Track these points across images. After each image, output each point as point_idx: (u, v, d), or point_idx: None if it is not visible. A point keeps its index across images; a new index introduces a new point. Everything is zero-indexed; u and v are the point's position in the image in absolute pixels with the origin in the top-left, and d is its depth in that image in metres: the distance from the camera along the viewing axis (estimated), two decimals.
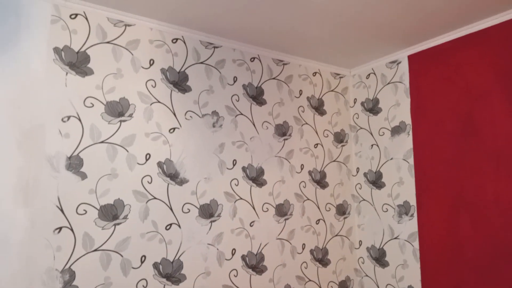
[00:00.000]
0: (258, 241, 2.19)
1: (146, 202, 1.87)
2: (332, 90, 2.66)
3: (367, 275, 2.51)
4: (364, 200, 2.58)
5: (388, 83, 2.50)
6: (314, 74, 2.59)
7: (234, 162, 2.17)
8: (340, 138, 2.65)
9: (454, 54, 2.15)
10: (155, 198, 1.90)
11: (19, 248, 1.57)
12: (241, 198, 2.17)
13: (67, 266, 1.65)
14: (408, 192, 2.31)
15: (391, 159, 2.44)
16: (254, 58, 2.33)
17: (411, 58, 2.38)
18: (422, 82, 2.30)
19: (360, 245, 2.58)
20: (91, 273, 1.69)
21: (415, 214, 2.27)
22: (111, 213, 1.77)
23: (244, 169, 2.20)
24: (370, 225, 2.53)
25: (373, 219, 2.51)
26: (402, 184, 2.36)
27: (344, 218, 2.58)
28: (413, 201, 2.29)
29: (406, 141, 2.36)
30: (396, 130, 2.42)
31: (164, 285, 1.87)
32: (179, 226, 1.95)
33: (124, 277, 1.77)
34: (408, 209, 2.31)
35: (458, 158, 2.09)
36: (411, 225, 2.28)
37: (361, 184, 2.62)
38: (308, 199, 2.43)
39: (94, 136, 1.78)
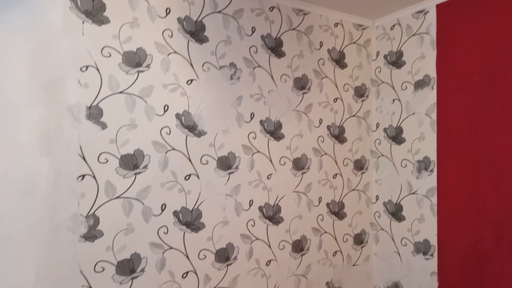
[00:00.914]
0: (275, 193, 2.22)
1: (165, 153, 1.90)
2: (354, 43, 2.56)
3: (382, 229, 2.53)
4: (383, 155, 2.56)
5: (414, 35, 2.38)
6: (335, 25, 2.49)
7: (252, 115, 2.16)
8: (360, 92, 2.58)
9: (486, 5, 2.01)
10: (174, 149, 1.92)
11: (45, 195, 1.64)
12: (258, 151, 2.17)
13: (91, 212, 1.72)
14: (429, 148, 2.27)
15: (413, 114, 2.37)
16: (273, 7, 2.25)
17: (439, 7, 2.24)
18: (450, 33, 2.19)
19: (377, 199, 2.59)
20: (114, 219, 1.76)
21: (435, 170, 2.24)
22: (132, 162, 1.81)
23: (262, 122, 2.19)
24: (388, 181, 2.52)
25: (391, 174, 2.49)
26: (423, 139, 2.31)
27: (362, 173, 2.57)
28: (433, 157, 2.25)
29: (429, 95, 2.28)
30: (420, 84, 2.34)
31: (184, 232, 1.94)
32: (198, 176, 1.98)
33: (145, 224, 1.84)
34: (428, 164, 2.28)
35: (482, 114, 2.02)
36: (430, 180, 2.26)
37: (380, 139, 2.58)
38: (326, 153, 2.42)
39: (112, 87, 1.79)
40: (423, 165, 2.31)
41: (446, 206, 2.17)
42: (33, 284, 1.59)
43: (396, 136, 2.47)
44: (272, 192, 2.21)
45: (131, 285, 1.79)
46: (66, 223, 1.66)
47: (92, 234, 1.71)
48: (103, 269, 1.73)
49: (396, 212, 2.45)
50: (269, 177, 2.20)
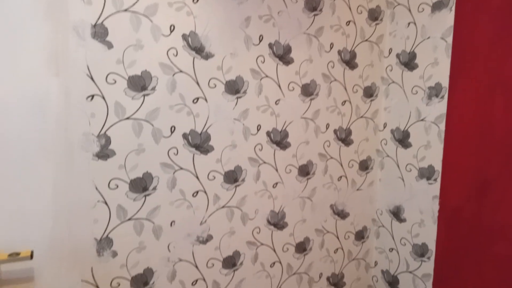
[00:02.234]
0: (283, 119, 2.23)
1: (173, 75, 1.88)
2: None
3: (388, 156, 2.57)
4: (393, 82, 2.51)
5: None
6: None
7: (261, 38, 2.10)
8: (375, 15, 2.47)
9: None
10: (181, 71, 1.90)
11: (56, 115, 1.66)
12: (267, 76, 2.14)
13: (102, 132, 1.75)
14: (442, 73, 2.22)
15: (428, 38, 2.28)
16: None
17: None
18: None
19: (384, 127, 2.59)
20: (125, 139, 1.80)
21: (446, 96, 2.20)
22: (139, 84, 1.81)
23: (270, 45, 2.13)
24: (397, 108, 2.50)
25: (401, 101, 2.47)
26: (437, 65, 2.25)
27: (371, 100, 2.55)
28: (445, 83, 2.21)
29: (446, 17, 2.18)
30: (437, 6, 2.22)
31: (194, 154, 1.99)
32: (206, 100, 1.98)
33: (156, 145, 1.88)
34: (439, 91, 2.24)
35: (501, 37, 1.93)
36: (440, 107, 2.24)
37: (392, 66, 2.52)
38: (336, 79, 2.38)
39: (116, 4, 1.72)
40: (434, 91, 2.27)
41: (454, 132, 2.17)
42: (51, 201, 1.68)
43: (408, 62, 2.40)
44: (280, 117, 2.22)
45: (144, 202, 1.88)
46: (78, 142, 1.71)
47: (104, 153, 1.77)
48: (117, 186, 1.81)
49: (403, 139, 2.47)
50: (277, 102, 2.20)
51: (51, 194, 1.67)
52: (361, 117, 2.52)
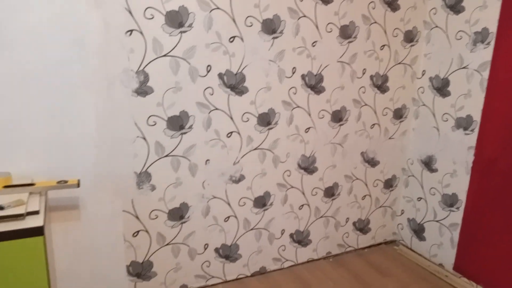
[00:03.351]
0: (319, 62, 2.18)
1: (210, 12, 1.84)
2: None
3: (424, 105, 2.50)
4: (437, 27, 2.38)
5: None
6: None
7: None
8: None
9: None
10: (218, 8, 1.85)
11: (97, 48, 1.67)
12: (304, 16, 2.07)
13: (141, 68, 1.76)
14: (490, 17, 2.08)
15: None
16: None
17: None
18: None
19: (422, 74, 2.50)
20: (163, 76, 1.81)
21: (493, 42, 2.09)
22: (176, 20, 1.78)
23: None
24: (438, 54, 2.39)
25: (443, 47, 2.35)
26: (485, 8, 2.11)
27: (411, 46, 2.44)
28: (493, 28, 2.08)
29: None
30: None
31: (229, 95, 1.99)
32: (242, 39, 1.94)
33: (192, 84, 1.88)
34: (485, 36, 2.12)
35: None
36: (484, 54, 2.13)
37: (436, 8, 2.37)
38: (376, 22, 2.28)
39: None
40: (479, 37, 2.15)
41: (497, 81, 2.08)
42: (95, 130, 1.73)
43: (455, 4, 2.26)
44: (316, 60, 2.17)
45: (180, 140, 1.93)
46: (118, 77, 1.73)
47: (143, 90, 1.79)
48: (155, 123, 1.85)
49: (441, 87, 2.38)
50: (314, 44, 2.13)
51: (94, 127, 1.73)
52: (399, 63, 2.44)
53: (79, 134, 1.71)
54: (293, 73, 2.12)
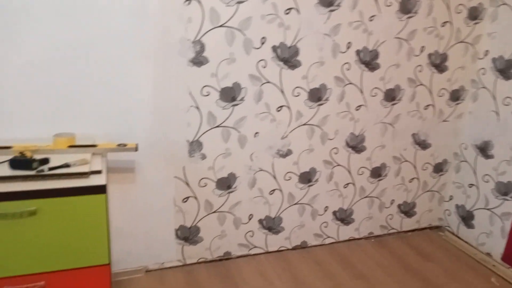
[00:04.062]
0: (375, 37, 2.10)
1: None
2: None
3: (484, 87, 2.37)
4: (504, 4, 2.22)
5: None
6: None
7: None
8: None
9: None
10: None
11: (154, 17, 1.70)
12: None
13: (198, 38, 1.78)
14: None
15: None
16: None
17: None
18: None
19: (485, 55, 2.36)
20: (218, 47, 1.83)
21: None
22: None
23: None
24: (504, 34, 2.23)
25: (510, 26, 2.19)
26: None
27: (475, 23, 2.29)
28: None
29: None
30: None
31: (281, 68, 1.97)
32: (298, 11, 1.91)
33: (246, 55, 1.89)
34: None
35: None
36: None
37: None
38: None
39: None
40: None
41: None
42: (152, 97, 1.79)
43: None
44: (372, 36, 2.09)
45: (232, 111, 1.95)
46: (175, 46, 1.76)
47: (198, 60, 1.82)
48: (208, 94, 1.88)
49: (505, 69, 2.24)
50: (371, 18, 2.06)
51: (151, 95, 1.79)
52: (461, 42, 2.30)
53: (136, 101, 1.77)
54: (348, 48, 2.07)
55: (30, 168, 1.36)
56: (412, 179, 2.51)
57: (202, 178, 2.01)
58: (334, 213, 2.39)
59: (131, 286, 1.95)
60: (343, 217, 2.42)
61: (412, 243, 2.53)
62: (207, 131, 1.94)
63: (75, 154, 1.55)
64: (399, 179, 2.48)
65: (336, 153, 2.26)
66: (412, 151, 2.44)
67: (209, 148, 1.97)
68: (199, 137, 1.94)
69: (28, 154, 1.42)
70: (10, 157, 1.41)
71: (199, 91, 1.86)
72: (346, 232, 2.47)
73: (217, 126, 1.95)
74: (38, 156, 1.44)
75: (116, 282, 1.97)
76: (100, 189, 1.37)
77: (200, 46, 1.80)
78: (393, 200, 2.51)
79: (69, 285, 1.43)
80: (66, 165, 1.42)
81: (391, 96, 2.26)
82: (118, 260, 1.98)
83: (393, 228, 2.59)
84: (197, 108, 1.89)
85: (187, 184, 1.99)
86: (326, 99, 2.12)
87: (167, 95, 1.81)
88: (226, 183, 2.07)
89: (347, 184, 2.36)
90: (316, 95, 2.09)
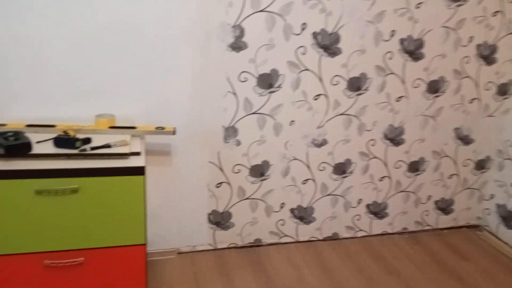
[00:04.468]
0: (421, 25, 2.01)
1: None
2: None
3: None
4: None
5: None
6: None
7: None
8: None
9: None
10: None
11: (197, 1, 1.69)
12: None
13: (238, 22, 1.76)
14: None
15: None
16: None
17: None
18: None
19: None
20: (257, 32, 1.80)
21: None
22: None
23: None
24: None
25: None
26: None
27: None
28: None
29: None
30: None
31: (321, 55, 1.92)
32: None
33: (285, 41, 1.85)
34: None
35: None
36: None
37: None
38: None
39: None
40: None
41: None
42: (190, 81, 1.80)
43: None
44: (418, 24, 2.00)
45: (269, 98, 1.93)
46: (215, 30, 1.75)
47: (237, 45, 1.80)
48: (246, 80, 1.86)
49: None
50: (418, 6, 1.96)
51: (189, 79, 1.79)
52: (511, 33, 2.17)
53: (175, 85, 1.78)
54: (391, 36, 1.98)
55: (74, 147, 1.40)
56: (452, 175, 2.42)
57: (236, 165, 2.01)
58: (368, 206, 2.34)
59: (164, 267, 1.99)
60: (377, 210, 2.37)
61: (448, 241, 2.44)
62: (243, 117, 1.93)
63: (115, 135, 1.58)
64: (438, 174, 2.38)
65: (373, 145, 2.19)
66: (453, 146, 2.34)
67: (244, 134, 1.96)
68: (235, 123, 1.93)
69: (71, 133, 1.46)
70: (54, 135, 1.45)
71: (236, 77, 1.85)
72: (379, 226, 2.41)
73: (253, 113, 1.93)
74: (80, 136, 1.48)
75: (150, 262, 2.01)
76: (139, 171, 1.39)
77: (239, 31, 1.77)
78: (430, 196, 2.43)
79: (106, 262, 1.47)
80: (107, 146, 1.45)
81: (434, 88, 2.16)
82: (151, 240, 2.03)
83: (428, 225, 2.51)
84: (234, 94, 1.87)
85: (221, 169, 2.00)
86: (366, 89, 2.06)
87: (205, 79, 1.81)
88: (259, 171, 2.06)
89: (383, 177, 2.29)
90: (355, 84, 2.03)
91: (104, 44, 1.64)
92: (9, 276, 1.38)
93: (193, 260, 2.06)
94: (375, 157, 2.23)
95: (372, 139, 2.18)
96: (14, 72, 1.58)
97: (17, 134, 1.38)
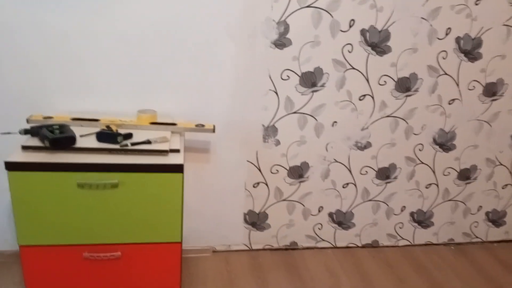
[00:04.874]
0: (480, 23, 1.85)
1: None
2: None
3: None
4: None
5: None
6: None
7: None
8: None
9: None
10: None
11: None
12: None
13: (283, 18, 1.70)
14: None
15: None
16: None
17: None
18: None
19: None
20: (303, 29, 1.73)
21: None
22: None
23: None
24: None
25: None
26: None
27: None
28: None
29: None
30: None
31: (368, 54, 1.83)
32: None
33: (331, 38, 1.76)
34: None
35: None
36: None
37: None
38: None
39: None
40: None
41: None
42: (232, 78, 1.76)
43: None
44: (476, 22, 1.85)
45: (311, 97, 1.86)
46: (260, 27, 1.70)
47: (281, 42, 1.74)
48: (288, 78, 1.80)
49: None
50: (477, 2, 1.82)
51: (231, 76, 1.75)
52: None
53: (217, 82, 1.75)
54: (447, 34, 1.85)
55: (115, 142, 1.40)
56: (506, 185, 2.24)
57: (274, 165, 1.96)
58: (412, 214, 2.21)
59: (199, 265, 1.98)
60: (421, 219, 2.24)
61: (498, 255, 2.27)
62: (283, 116, 1.87)
63: (156, 131, 1.57)
64: (491, 184, 2.22)
65: (420, 150, 2.07)
66: (509, 154, 2.16)
67: (284, 134, 1.90)
68: (275, 122, 1.87)
69: (114, 128, 1.46)
70: (97, 129, 1.47)
71: (279, 75, 1.79)
72: (423, 235, 2.28)
73: (294, 112, 1.87)
74: (122, 131, 1.48)
75: (185, 258, 2.01)
76: (178, 168, 1.37)
77: (284, 27, 1.71)
78: (480, 206, 2.26)
79: (142, 258, 1.47)
80: (148, 142, 1.44)
81: (491, 91, 2.00)
82: (187, 237, 2.02)
83: (477, 237, 2.34)
84: (275, 92, 1.82)
85: (259, 169, 1.95)
86: (416, 90, 1.94)
87: (247, 77, 1.77)
88: (298, 172, 2.00)
89: (430, 184, 2.16)
90: (405, 85, 1.92)
91: (150, 40, 1.63)
92: (51, 266, 1.41)
93: (227, 260, 2.04)
94: (422, 163, 2.10)
95: (419, 144, 2.05)
96: (62, 65, 1.61)
97: (63, 127, 1.40)
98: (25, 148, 1.33)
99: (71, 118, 1.57)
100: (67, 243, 1.39)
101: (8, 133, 1.43)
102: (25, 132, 1.37)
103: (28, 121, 1.50)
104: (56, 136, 1.32)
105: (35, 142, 1.37)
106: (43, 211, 1.34)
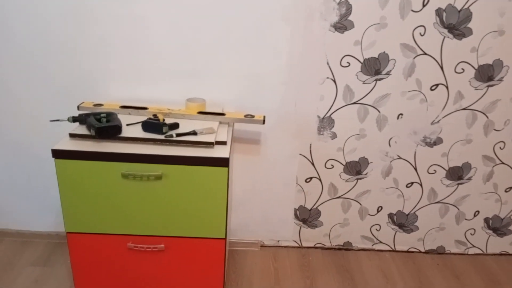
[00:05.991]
0: None
1: None
2: None
3: None
4: None
5: None
6: None
7: None
8: None
9: None
10: None
11: None
12: None
13: None
14: None
15: None
16: None
17: None
18: None
19: None
20: (367, 9, 1.53)
21: None
22: None
23: None
24: None
25: None
26: None
27: None
28: None
29: None
30: None
31: (444, 37, 1.58)
32: None
33: (400, 19, 1.55)
34: None
35: None
36: None
37: None
38: None
39: None
40: None
41: None
42: (286, 65, 1.63)
43: None
44: None
45: (374, 86, 1.67)
46: (318, 8, 1.54)
47: (342, 25, 1.56)
48: (349, 65, 1.63)
49: None
50: None
51: (285, 63, 1.62)
52: None
53: (269, 69, 1.63)
54: None
55: (160, 132, 1.35)
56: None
57: (329, 159, 1.81)
58: (486, 220, 1.95)
59: (246, 258, 1.92)
60: (497, 226, 1.97)
61: None
62: (341, 107, 1.70)
63: (203, 121, 1.50)
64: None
65: (501, 148, 1.79)
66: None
67: (341, 126, 1.74)
68: (332, 114, 1.72)
69: (160, 117, 1.41)
70: (144, 118, 1.43)
71: (338, 61, 1.62)
72: (498, 244, 2.01)
73: (354, 103, 1.70)
74: (168, 120, 1.42)
75: (232, 251, 1.96)
76: (223, 162, 1.29)
77: (346, 8, 1.53)
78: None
79: (185, 252, 1.43)
80: (194, 133, 1.37)
81: None
82: (235, 230, 1.96)
83: None
84: (334, 80, 1.65)
85: (312, 163, 1.82)
86: (500, 79, 1.66)
87: (302, 63, 1.62)
88: (355, 168, 1.83)
89: (510, 188, 1.88)
90: (487, 74, 1.65)
91: (201, 25, 1.55)
92: (96, 253, 1.42)
93: (275, 256, 1.95)
94: (503, 163, 1.83)
95: (501, 141, 1.78)
96: (113, 52, 1.59)
97: (110, 116, 1.37)
98: (72, 136, 1.32)
99: (120, 106, 1.55)
100: (111, 232, 1.38)
101: (57, 120, 1.43)
102: (74, 120, 1.36)
103: (78, 108, 1.50)
104: (102, 125, 1.30)
105: (83, 130, 1.36)
106: (89, 200, 1.33)
